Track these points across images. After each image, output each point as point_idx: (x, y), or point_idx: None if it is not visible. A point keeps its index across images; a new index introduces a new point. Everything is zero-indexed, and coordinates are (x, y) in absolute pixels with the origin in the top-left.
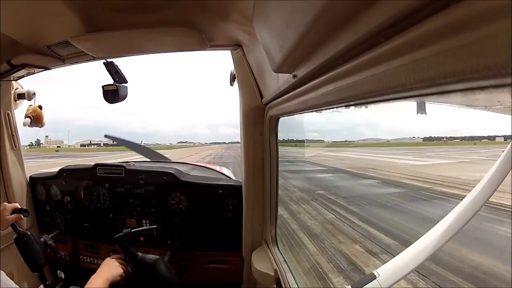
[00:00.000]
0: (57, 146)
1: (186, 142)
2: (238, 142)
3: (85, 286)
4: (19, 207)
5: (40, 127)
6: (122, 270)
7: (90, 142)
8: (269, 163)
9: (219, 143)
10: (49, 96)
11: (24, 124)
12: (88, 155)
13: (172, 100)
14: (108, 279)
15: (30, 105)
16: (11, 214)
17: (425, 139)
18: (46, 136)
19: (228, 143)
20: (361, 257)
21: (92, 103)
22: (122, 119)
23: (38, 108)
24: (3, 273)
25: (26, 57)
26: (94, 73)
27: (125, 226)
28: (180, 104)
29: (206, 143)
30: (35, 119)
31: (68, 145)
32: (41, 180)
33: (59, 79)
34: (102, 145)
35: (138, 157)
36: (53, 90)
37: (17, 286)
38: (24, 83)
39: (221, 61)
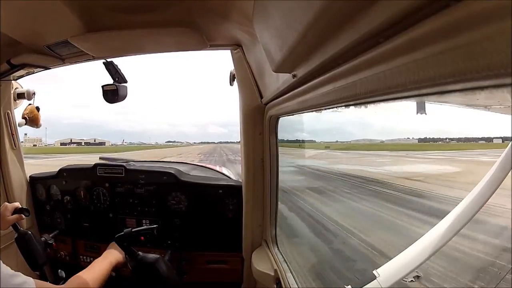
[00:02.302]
0: (33, 145)
1: (174, 141)
2: (227, 142)
3: (89, 266)
4: (20, 206)
5: (36, 128)
6: (121, 257)
7: (71, 140)
8: (269, 163)
9: (208, 142)
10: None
11: (20, 125)
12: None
13: (161, 99)
14: (112, 262)
15: (29, 104)
16: (12, 214)
17: (420, 140)
18: (25, 134)
19: (217, 142)
20: None
21: (79, 101)
22: (110, 118)
23: (35, 110)
24: (4, 266)
25: (26, 57)
26: (83, 71)
27: (125, 226)
28: (169, 103)
29: (194, 142)
30: (31, 120)
31: (45, 144)
32: (41, 180)
33: (46, 77)
34: (83, 144)
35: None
36: (39, 88)
37: (21, 274)
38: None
39: (210, 60)
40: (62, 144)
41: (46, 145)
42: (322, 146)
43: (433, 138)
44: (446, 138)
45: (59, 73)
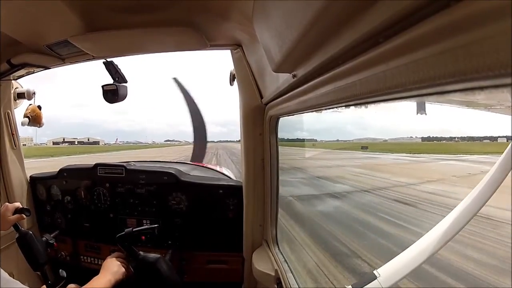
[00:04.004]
0: (22, 144)
1: (172, 140)
2: (227, 141)
3: (87, 285)
4: (21, 206)
5: (39, 127)
6: (124, 269)
7: (64, 139)
8: (269, 163)
9: (207, 141)
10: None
11: (22, 124)
12: None
13: (160, 98)
14: (111, 280)
15: (29, 104)
16: (13, 214)
17: (423, 139)
18: None
19: (216, 141)
20: None
21: (77, 101)
22: (109, 118)
23: (37, 108)
24: (3, 272)
25: (26, 57)
26: (83, 71)
27: (125, 226)
28: (168, 102)
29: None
30: (34, 119)
31: (35, 143)
32: (42, 180)
33: (41, 76)
34: (76, 143)
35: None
36: (35, 87)
37: (19, 282)
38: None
39: (208, 60)
40: (54, 143)
41: (35, 144)
42: (343, 146)
43: (436, 137)
44: (455, 137)
45: (57, 73)
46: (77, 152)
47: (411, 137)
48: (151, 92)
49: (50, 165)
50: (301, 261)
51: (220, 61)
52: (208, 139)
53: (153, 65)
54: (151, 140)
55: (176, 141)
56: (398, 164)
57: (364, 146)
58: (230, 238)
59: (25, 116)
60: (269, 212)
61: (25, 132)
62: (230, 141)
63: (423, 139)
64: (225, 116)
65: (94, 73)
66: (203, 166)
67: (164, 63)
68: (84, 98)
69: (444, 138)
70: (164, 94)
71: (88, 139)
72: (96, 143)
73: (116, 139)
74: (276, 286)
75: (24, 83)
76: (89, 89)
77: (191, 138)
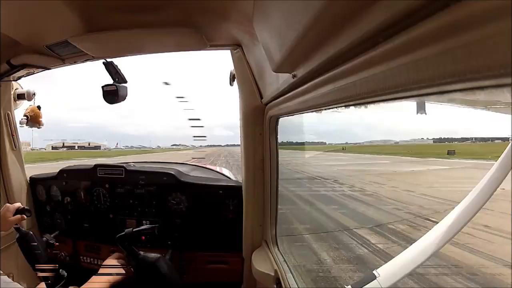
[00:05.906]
0: None
1: (179, 144)
2: (234, 145)
3: (85, 285)
4: (22, 207)
5: (38, 127)
6: (123, 270)
7: (63, 144)
8: (269, 163)
9: (214, 145)
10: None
11: (21, 123)
12: None
13: (166, 102)
14: (109, 280)
15: (29, 105)
16: (14, 214)
17: (435, 140)
18: None
19: (224, 145)
20: None
21: (83, 105)
22: (115, 122)
23: (36, 108)
24: (2, 273)
25: (26, 57)
26: (88, 74)
27: (125, 226)
28: (174, 105)
29: (201, 146)
30: (32, 119)
31: (31, 148)
32: (41, 181)
33: (44, 78)
34: (76, 147)
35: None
36: (38, 90)
37: (18, 284)
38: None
39: (218, 61)
40: (54, 148)
41: (32, 149)
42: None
43: (447, 138)
44: (472, 138)
45: (63, 76)
46: (57, 159)
47: (422, 138)
48: (157, 95)
49: None
50: None
51: (227, 63)
52: (215, 143)
53: (157, 66)
54: (155, 144)
55: (183, 145)
56: None
57: (451, 151)
58: (230, 238)
59: (24, 115)
60: (269, 212)
61: (25, 136)
62: (237, 145)
63: (435, 140)
64: (231, 119)
65: (101, 76)
66: (202, 167)
67: (168, 65)
68: (90, 101)
69: (456, 139)
70: (170, 96)
71: (89, 144)
72: (97, 147)
73: (117, 144)
74: (275, 286)
75: (31, 84)
76: (95, 92)
77: (197, 143)
